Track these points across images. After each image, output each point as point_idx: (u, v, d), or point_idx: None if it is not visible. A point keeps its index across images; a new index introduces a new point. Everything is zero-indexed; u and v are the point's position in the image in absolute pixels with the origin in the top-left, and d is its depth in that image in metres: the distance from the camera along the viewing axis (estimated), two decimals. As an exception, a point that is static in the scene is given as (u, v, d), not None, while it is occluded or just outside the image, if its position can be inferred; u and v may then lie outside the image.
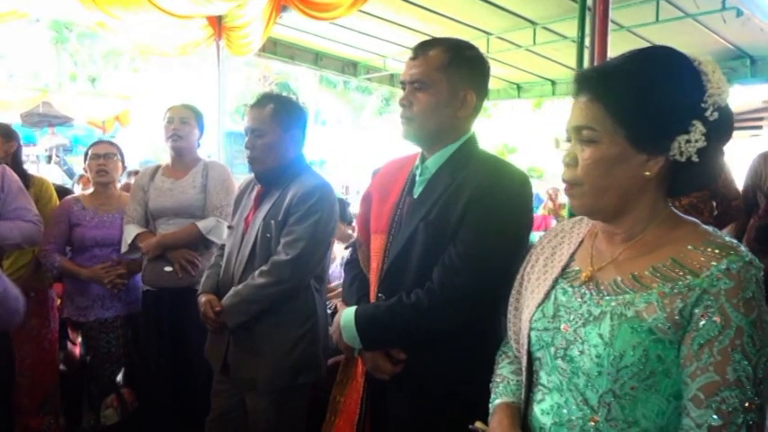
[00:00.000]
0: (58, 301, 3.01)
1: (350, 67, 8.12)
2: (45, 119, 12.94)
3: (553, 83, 7.99)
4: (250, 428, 2.04)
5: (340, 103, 27.08)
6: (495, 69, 7.97)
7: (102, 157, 2.79)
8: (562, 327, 1.02)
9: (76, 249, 2.78)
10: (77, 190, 4.29)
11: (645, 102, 0.93)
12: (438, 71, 1.39)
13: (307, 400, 2.08)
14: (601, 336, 0.95)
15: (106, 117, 12.22)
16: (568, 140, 1.03)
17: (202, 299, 2.06)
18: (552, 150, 11.91)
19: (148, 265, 2.64)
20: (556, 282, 1.09)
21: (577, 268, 1.08)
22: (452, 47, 1.42)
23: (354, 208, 5.01)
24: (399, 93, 1.48)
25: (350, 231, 3.96)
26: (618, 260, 1.02)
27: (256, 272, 1.95)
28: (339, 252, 3.77)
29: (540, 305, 1.08)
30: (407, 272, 1.40)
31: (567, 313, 1.03)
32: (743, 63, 6.04)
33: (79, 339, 2.79)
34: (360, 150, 21.07)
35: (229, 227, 2.19)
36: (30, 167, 13.39)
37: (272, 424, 2.00)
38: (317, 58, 7.68)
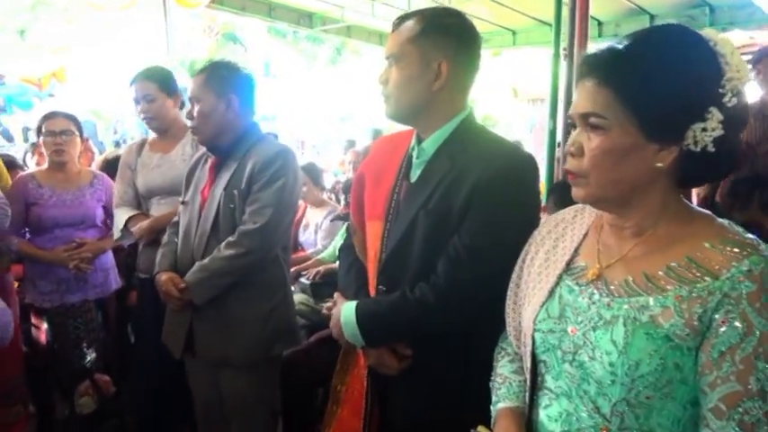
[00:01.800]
0: (16, 284, 2.82)
1: (305, 18, 7.77)
2: (-27, 77, 12.04)
3: (513, 32, 7.88)
4: (226, 406, 1.99)
5: (291, 52, 26.18)
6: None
7: (59, 135, 2.55)
8: (569, 329, 0.96)
9: (34, 230, 2.58)
10: (31, 163, 3.90)
11: (659, 88, 0.85)
12: (409, 42, 1.29)
13: (280, 368, 2.07)
14: (614, 342, 0.89)
15: (42, 74, 11.42)
16: (574, 127, 0.95)
17: (162, 277, 1.94)
18: (510, 100, 11.91)
19: (142, 252, 2.43)
20: (560, 278, 1.01)
21: (583, 264, 1.00)
22: (428, 16, 1.32)
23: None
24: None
25: (324, 197, 3.85)
26: (627, 257, 0.94)
27: (222, 244, 1.87)
28: (313, 218, 3.65)
29: (543, 304, 1.01)
30: (408, 262, 1.31)
31: (575, 314, 0.96)
32: (702, 11, 6.07)
33: (44, 326, 2.62)
34: (312, 102, 20.57)
35: (183, 202, 2.06)
36: (-39, 131, 12.50)
37: (251, 398, 1.96)
38: (270, 9, 7.30)
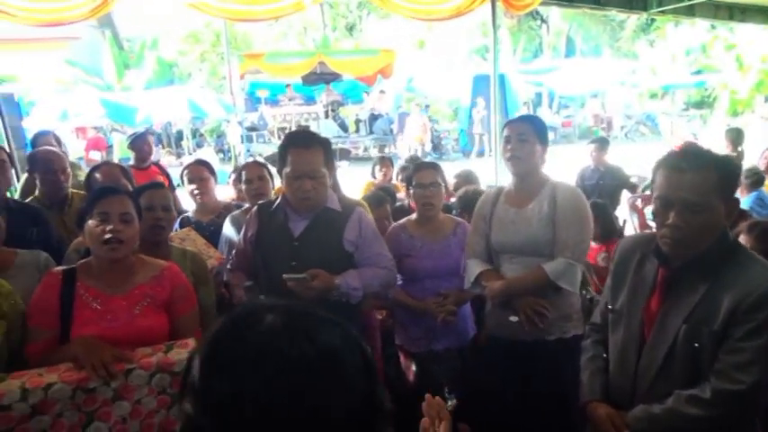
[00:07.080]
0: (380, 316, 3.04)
1: (639, 0, 6.98)
2: (321, 77, 14.23)
3: None
4: None
5: (592, 24, 24.12)
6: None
7: (428, 187, 2.65)
8: None
9: (407, 280, 2.73)
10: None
11: None
12: None
13: None
14: None
15: (372, 72, 12.84)
16: None
17: (599, 411, 1.70)
18: None
19: (492, 313, 2.44)
20: None
21: None
22: None
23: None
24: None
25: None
26: None
27: (685, 394, 1.54)
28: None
29: None
30: None
31: None
32: None
33: (413, 368, 2.79)
34: (616, 80, 18.62)
35: (612, 310, 1.76)
36: (312, 125, 14.91)
37: None
38: (599, -4, 6.73)
